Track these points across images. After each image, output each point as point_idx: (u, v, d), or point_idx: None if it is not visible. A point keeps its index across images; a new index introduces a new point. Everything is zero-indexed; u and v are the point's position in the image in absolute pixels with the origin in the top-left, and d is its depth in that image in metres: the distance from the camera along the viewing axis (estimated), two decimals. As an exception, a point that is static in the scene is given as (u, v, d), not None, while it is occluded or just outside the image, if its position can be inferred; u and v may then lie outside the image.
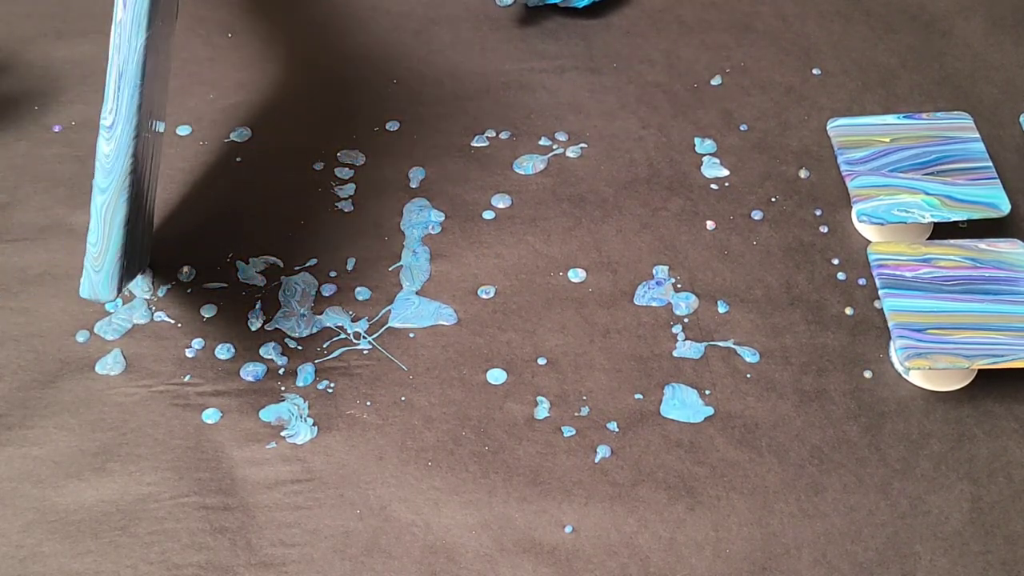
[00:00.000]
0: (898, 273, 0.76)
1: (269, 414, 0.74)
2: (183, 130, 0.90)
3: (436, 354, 0.77)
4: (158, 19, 0.67)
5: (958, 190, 0.80)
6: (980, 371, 0.75)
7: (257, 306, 0.79)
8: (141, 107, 0.67)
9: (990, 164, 0.82)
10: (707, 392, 0.75)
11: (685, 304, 0.79)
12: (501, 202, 0.85)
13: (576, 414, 0.74)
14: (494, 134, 0.90)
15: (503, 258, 0.82)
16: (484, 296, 0.80)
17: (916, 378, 0.75)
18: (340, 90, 0.93)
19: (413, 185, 0.87)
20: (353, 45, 0.97)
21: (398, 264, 0.82)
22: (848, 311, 0.79)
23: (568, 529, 0.69)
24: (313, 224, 0.84)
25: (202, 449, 0.72)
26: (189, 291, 0.80)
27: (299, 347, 0.77)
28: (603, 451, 0.72)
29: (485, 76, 0.94)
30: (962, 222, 0.83)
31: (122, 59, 0.66)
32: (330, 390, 0.75)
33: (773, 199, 0.86)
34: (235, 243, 0.83)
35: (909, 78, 0.94)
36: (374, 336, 0.78)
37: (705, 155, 0.89)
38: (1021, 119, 0.90)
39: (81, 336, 0.78)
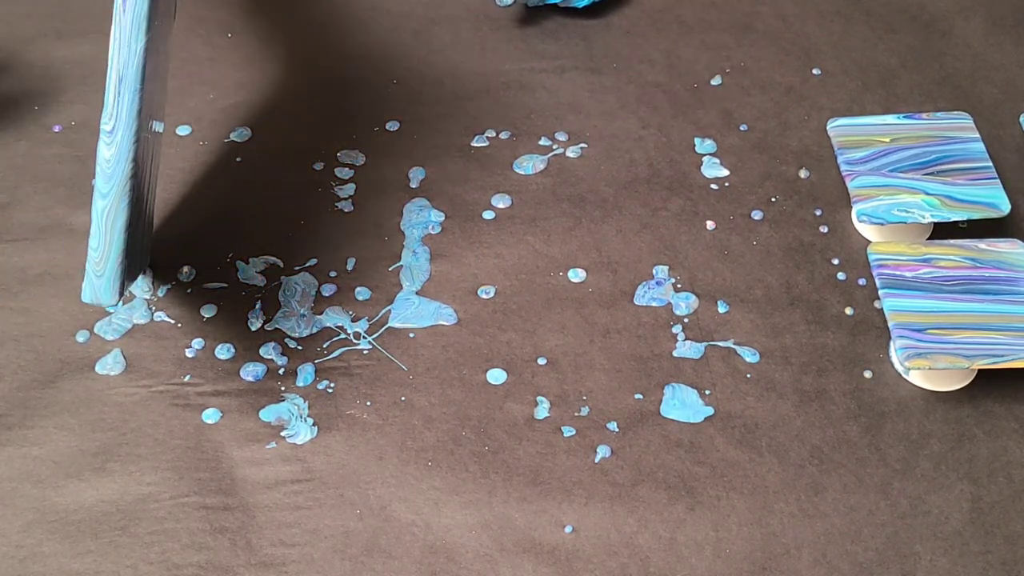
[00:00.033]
0: (898, 273, 0.76)
1: (269, 414, 0.74)
2: (183, 130, 0.90)
3: (436, 354, 0.77)
4: (157, 20, 0.67)
5: (958, 190, 0.80)
6: (980, 371, 0.75)
7: (257, 306, 0.79)
8: (141, 111, 0.67)
9: (990, 164, 0.82)
10: (707, 392, 0.75)
11: (685, 304, 0.79)
12: (501, 202, 0.85)
13: (576, 414, 0.74)
14: (494, 134, 0.90)
15: (503, 258, 0.82)
16: (484, 296, 0.80)
17: (916, 378, 0.75)
18: (340, 90, 0.93)
19: (413, 185, 0.87)
20: (353, 45, 0.97)
21: (398, 264, 0.82)
22: (848, 311, 0.79)
23: (568, 529, 0.69)
24: (313, 224, 0.84)
25: (202, 449, 0.72)
26: (189, 291, 0.80)
27: (299, 347, 0.77)
28: (603, 451, 0.72)
29: (485, 76, 0.94)
30: (962, 222, 0.83)
31: (122, 63, 0.65)
32: (330, 390, 0.75)
33: (773, 199, 0.86)
34: (235, 243, 0.83)
35: (909, 78, 0.94)
36: (374, 336, 0.78)
37: (705, 155, 0.89)
38: (1021, 119, 0.90)
39: (81, 336, 0.78)
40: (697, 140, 0.90)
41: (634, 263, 0.82)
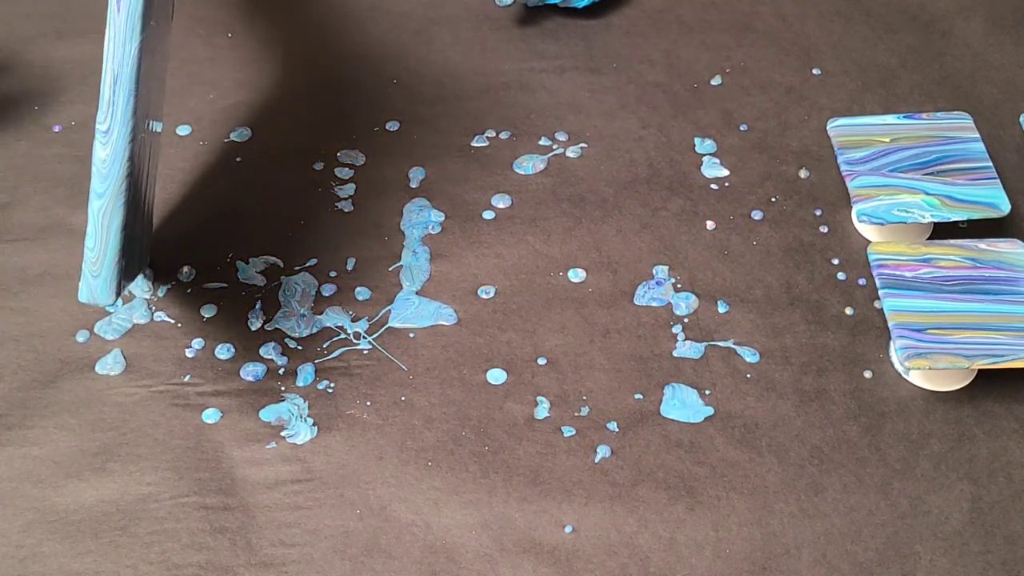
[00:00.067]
0: (898, 273, 0.76)
1: (269, 414, 0.74)
2: (183, 130, 0.90)
3: (436, 354, 0.77)
4: (152, 21, 0.67)
5: (958, 190, 0.80)
6: (980, 371, 0.75)
7: (257, 306, 0.79)
8: (137, 111, 0.67)
9: (990, 164, 0.82)
10: (707, 392, 0.75)
11: (685, 304, 0.79)
12: (501, 202, 0.85)
13: (576, 414, 0.74)
14: (494, 134, 0.90)
15: (503, 258, 0.82)
16: (484, 296, 0.80)
17: (916, 378, 0.75)
18: (340, 90, 0.93)
19: (413, 185, 0.87)
20: (353, 45, 0.97)
21: (398, 264, 0.82)
22: (848, 311, 0.79)
23: (568, 529, 0.69)
24: (313, 224, 0.84)
25: (202, 449, 0.72)
26: (189, 291, 0.80)
27: (299, 347, 0.77)
28: (603, 451, 0.72)
29: (485, 76, 0.94)
30: (962, 222, 0.83)
31: (116, 64, 0.65)
32: (330, 390, 0.75)
33: (773, 199, 0.86)
34: (235, 243, 0.83)
35: (909, 78, 0.94)
36: (374, 336, 0.78)
37: (705, 155, 0.89)
38: (1021, 119, 0.90)
39: (81, 336, 0.78)
40: (697, 140, 0.90)
41: (634, 263, 0.82)
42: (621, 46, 0.97)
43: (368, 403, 0.74)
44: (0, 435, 0.73)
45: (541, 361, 0.76)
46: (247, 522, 0.69)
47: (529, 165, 0.88)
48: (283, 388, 0.75)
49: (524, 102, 0.92)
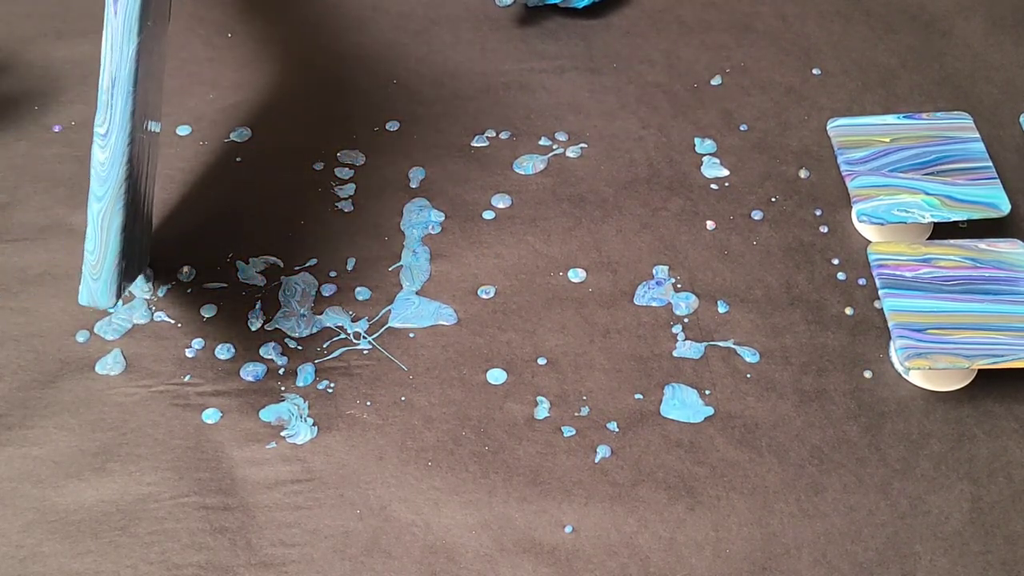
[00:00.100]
0: (898, 273, 0.76)
1: (269, 414, 0.74)
2: (183, 130, 0.90)
3: (436, 354, 0.77)
4: (149, 21, 0.67)
5: (958, 190, 0.80)
6: (980, 371, 0.75)
7: (257, 306, 0.79)
8: (135, 113, 0.67)
9: (990, 164, 0.82)
10: (707, 392, 0.75)
11: (685, 304, 0.79)
12: (501, 202, 0.85)
13: (576, 414, 0.74)
14: (494, 134, 0.90)
15: (503, 258, 0.82)
16: (484, 296, 0.80)
17: (916, 378, 0.75)
18: (340, 90, 0.93)
19: (413, 185, 0.87)
20: (353, 45, 0.97)
21: (398, 264, 0.82)
22: (848, 311, 0.79)
23: (568, 529, 0.69)
24: (313, 224, 0.84)
25: (202, 449, 0.72)
26: (189, 291, 0.80)
27: (299, 347, 0.77)
28: (603, 451, 0.72)
29: (485, 76, 0.94)
30: (962, 222, 0.83)
31: (114, 66, 0.65)
32: (330, 390, 0.75)
33: (773, 199, 0.86)
34: (235, 243, 0.83)
35: (909, 78, 0.94)
36: (374, 336, 0.78)
37: (705, 155, 0.89)
38: (1021, 119, 0.90)
39: (81, 336, 0.78)
40: (697, 140, 0.90)
41: (634, 263, 0.82)
42: (621, 46, 0.97)
43: (368, 403, 0.74)
44: (0, 435, 0.73)
45: (541, 361, 0.76)
46: (247, 522, 0.69)
47: (529, 165, 0.88)
48: (283, 388, 0.75)
49: (524, 102, 0.92)
